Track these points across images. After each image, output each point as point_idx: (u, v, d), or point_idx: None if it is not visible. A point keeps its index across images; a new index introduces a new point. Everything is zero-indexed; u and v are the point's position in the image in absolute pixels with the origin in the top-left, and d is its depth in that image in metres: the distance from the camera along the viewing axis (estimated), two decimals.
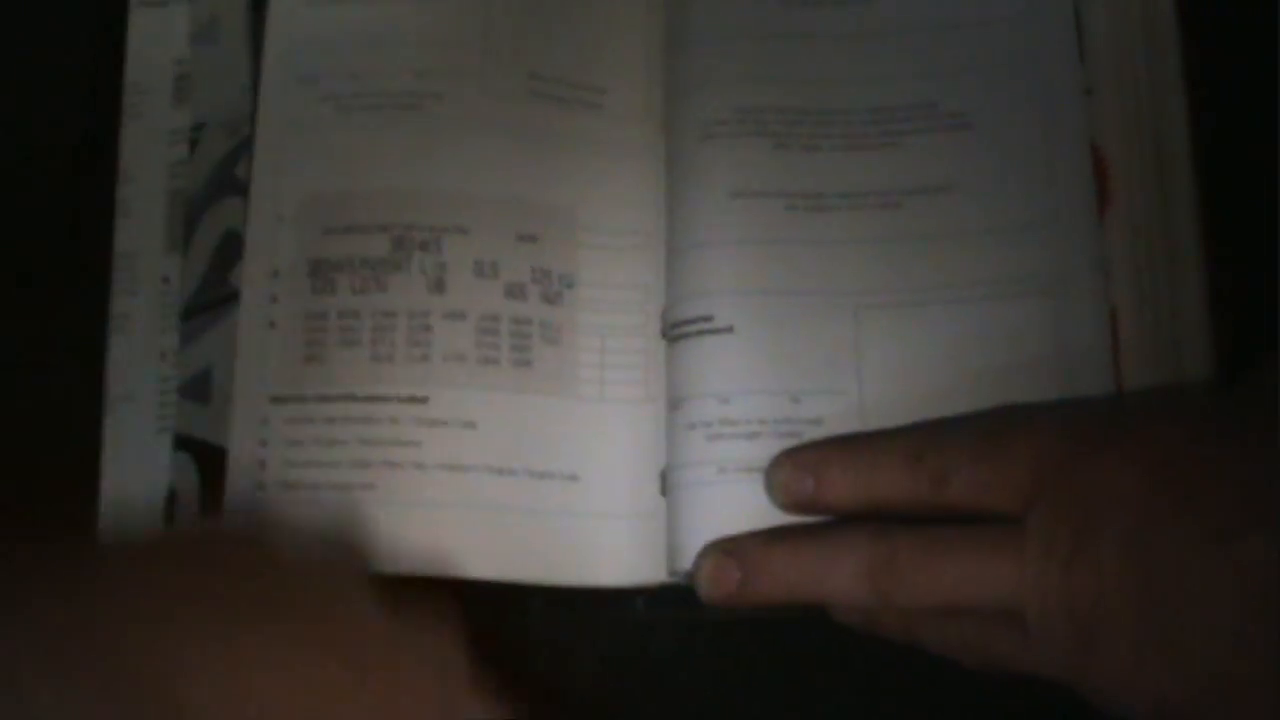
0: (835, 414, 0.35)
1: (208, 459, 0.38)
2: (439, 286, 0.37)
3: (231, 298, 0.39)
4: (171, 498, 0.38)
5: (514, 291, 0.38)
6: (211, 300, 0.39)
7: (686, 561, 0.35)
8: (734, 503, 0.35)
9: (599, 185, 0.39)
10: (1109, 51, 0.36)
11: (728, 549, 0.35)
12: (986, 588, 0.32)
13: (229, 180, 0.40)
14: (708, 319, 0.36)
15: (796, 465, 0.35)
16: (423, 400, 0.36)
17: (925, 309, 0.36)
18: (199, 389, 0.39)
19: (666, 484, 0.36)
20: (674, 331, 0.37)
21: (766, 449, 0.35)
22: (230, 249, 0.39)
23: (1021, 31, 0.36)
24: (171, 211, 0.41)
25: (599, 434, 0.38)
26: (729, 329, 0.36)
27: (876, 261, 0.36)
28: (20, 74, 0.43)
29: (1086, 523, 0.31)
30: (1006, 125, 0.36)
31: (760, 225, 0.37)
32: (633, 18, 0.41)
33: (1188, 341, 0.35)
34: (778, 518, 0.35)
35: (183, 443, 0.38)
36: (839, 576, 0.34)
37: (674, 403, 0.37)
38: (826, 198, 0.37)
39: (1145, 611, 0.30)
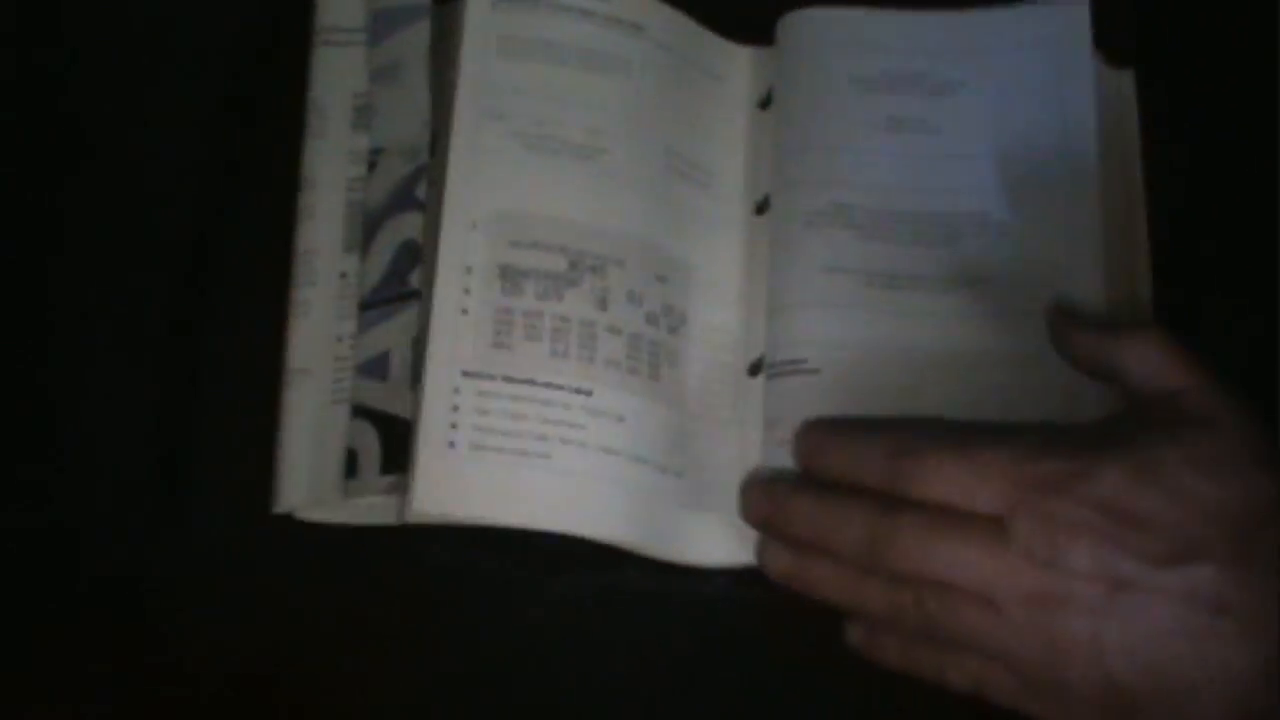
0: None
1: (386, 426, 0.46)
2: (602, 304, 0.47)
3: (409, 295, 0.47)
4: (352, 457, 0.46)
5: (651, 319, 0.48)
6: (390, 296, 0.47)
7: None
8: None
9: (707, 248, 0.50)
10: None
11: (765, 487, 0.45)
12: (972, 570, 0.40)
13: (409, 198, 0.48)
14: (802, 361, 0.47)
15: (800, 439, 0.45)
16: (588, 393, 0.46)
17: (966, 369, 0.47)
18: (377, 368, 0.47)
19: None
20: (773, 370, 0.48)
21: None
22: (408, 256, 0.47)
23: (1050, 167, 0.49)
24: (349, 219, 0.49)
25: (700, 444, 0.48)
26: (816, 371, 0.47)
27: (933, 330, 0.47)
28: (224, 92, 0.51)
29: (1061, 536, 0.39)
30: (1039, 232, 0.48)
31: (844, 295, 0.48)
32: (736, 120, 0.51)
33: None
34: None
35: (361, 412, 0.46)
36: (848, 531, 0.42)
37: (769, 424, 0.47)
38: (897, 278, 0.48)
39: (1108, 611, 0.39)
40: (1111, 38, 0.51)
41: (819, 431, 0.45)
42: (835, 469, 0.44)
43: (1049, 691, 0.40)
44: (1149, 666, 0.39)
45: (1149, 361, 0.42)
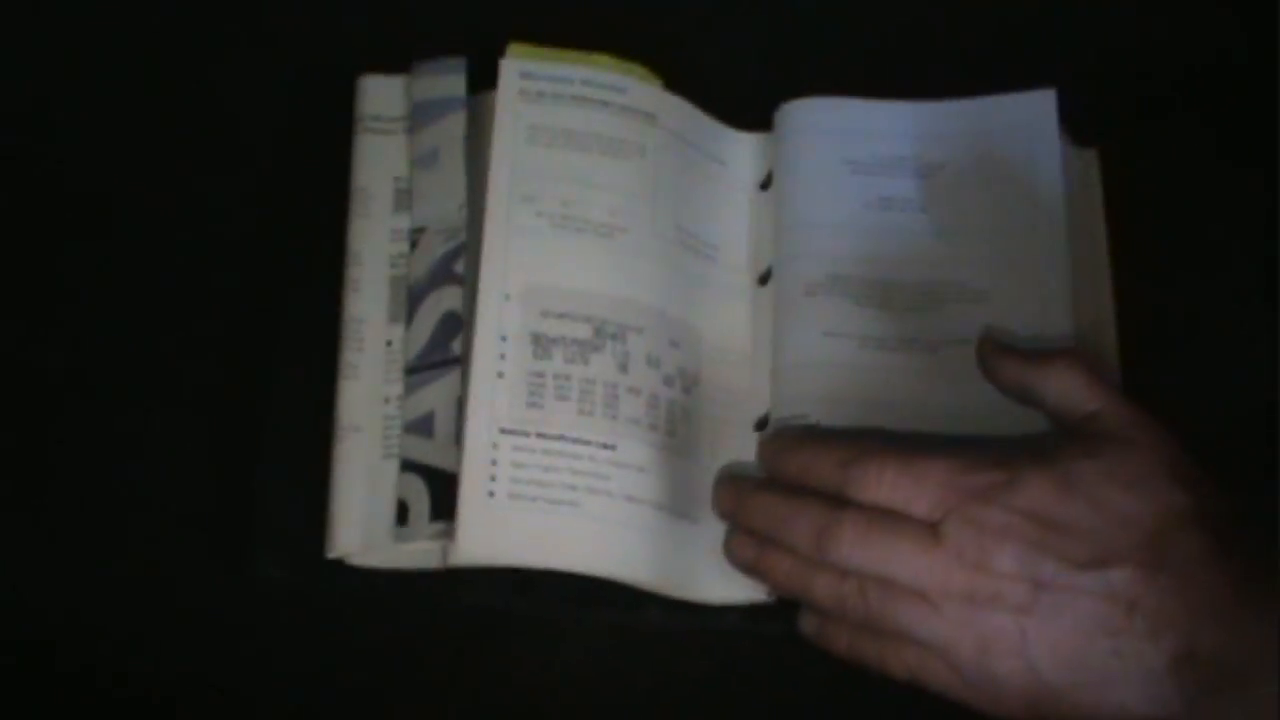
0: None
1: (433, 478, 0.51)
2: (624, 368, 0.52)
3: (451, 361, 0.52)
4: (403, 507, 0.51)
5: (668, 380, 0.53)
6: (434, 362, 0.52)
7: None
8: None
9: (715, 316, 0.55)
10: None
11: (732, 482, 0.50)
12: (907, 567, 0.45)
13: (448, 273, 0.53)
14: (804, 416, 0.53)
15: (764, 445, 0.50)
16: (613, 447, 0.51)
17: (948, 421, 0.52)
18: (423, 426, 0.52)
19: None
20: (777, 424, 0.53)
21: None
22: (449, 325, 0.53)
23: (1023, 239, 0.54)
24: (393, 292, 0.54)
25: (709, 493, 0.53)
26: (817, 424, 0.52)
27: (920, 387, 0.53)
28: (274, 174, 0.56)
29: (989, 540, 0.44)
30: (1013, 300, 0.53)
31: (842, 356, 0.53)
32: (739, 200, 0.57)
33: None
34: None
35: (410, 466, 0.51)
36: (799, 524, 0.46)
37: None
38: (888, 340, 0.54)
39: (1032, 609, 0.43)
40: (1076, 120, 0.57)
41: (781, 439, 0.50)
42: (793, 472, 0.49)
43: (981, 682, 0.45)
44: (1070, 660, 0.43)
45: (1066, 385, 0.48)
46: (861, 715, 0.52)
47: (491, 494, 0.49)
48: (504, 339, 0.51)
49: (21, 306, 0.55)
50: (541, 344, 0.52)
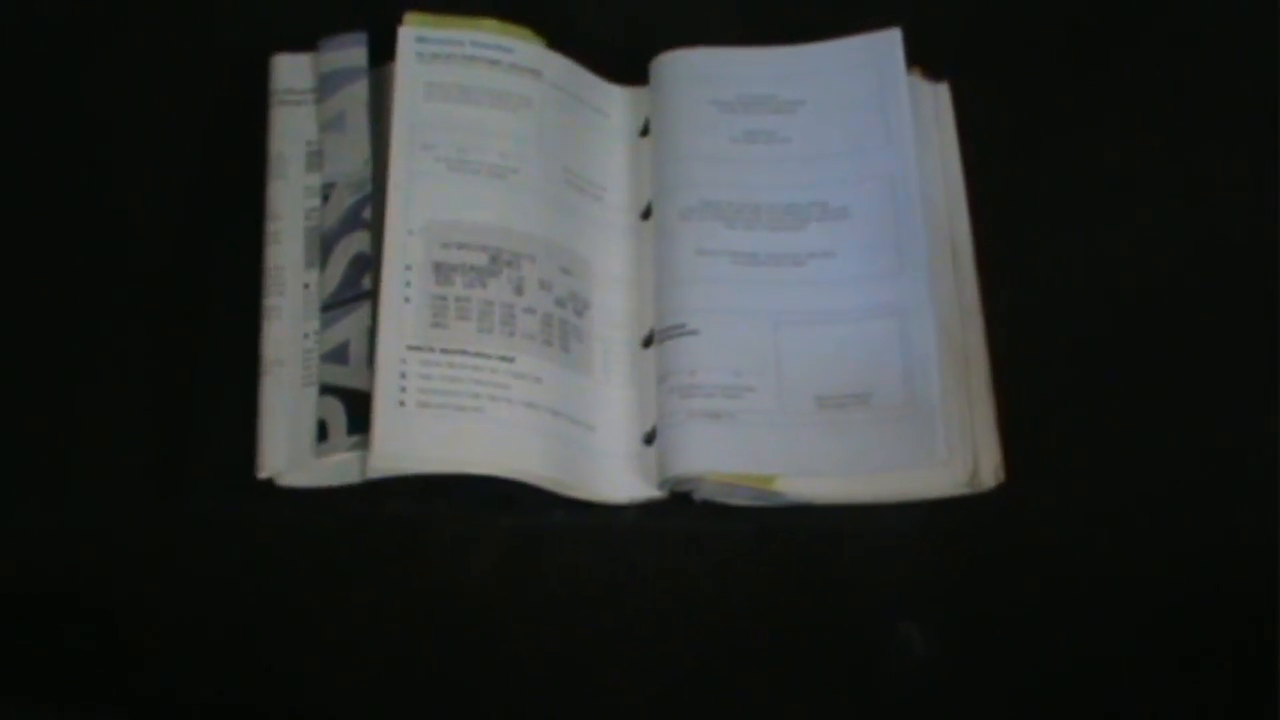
0: (761, 383, 0.57)
1: (350, 398, 0.56)
2: (519, 290, 0.57)
3: (363, 295, 0.57)
4: (323, 426, 0.56)
5: (560, 302, 0.58)
6: (346, 298, 0.58)
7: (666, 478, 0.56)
8: (696, 435, 0.56)
9: (602, 247, 0.61)
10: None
11: None
12: None
13: (357, 220, 0.59)
14: (682, 326, 0.58)
15: None
16: (510, 359, 0.56)
17: (816, 325, 0.58)
18: (339, 355, 0.57)
19: (655, 431, 0.57)
20: (662, 335, 0.58)
21: (718, 404, 0.56)
22: (359, 265, 0.58)
23: (876, 162, 0.60)
24: (309, 241, 0.60)
25: (605, 404, 0.58)
26: (695, 332, 0.58)
27: (788, 296, 0.58)
28: (201, 144, 0.62)
29: None
30: (871, 214, 0.59)
31: (715, 271, 0.59)
32: (619, 146, 0.63)
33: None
34: (721, 440, 0.56)
35: (328, 390, 0.56)
36: None
37: (661, 377, 0.58)
38: (758, 256, 0.59)
39: None
40: (929, 55, 0.63)
41: None
42: None
43: None
44: None
45: None
46: (755, 605, 0.57)
47: (402, 403, 0.55)
48: (409, 268, 0.57)
49: None
50: (443, 271, 0.57)
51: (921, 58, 0.63)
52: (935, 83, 0.63)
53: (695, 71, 0.63)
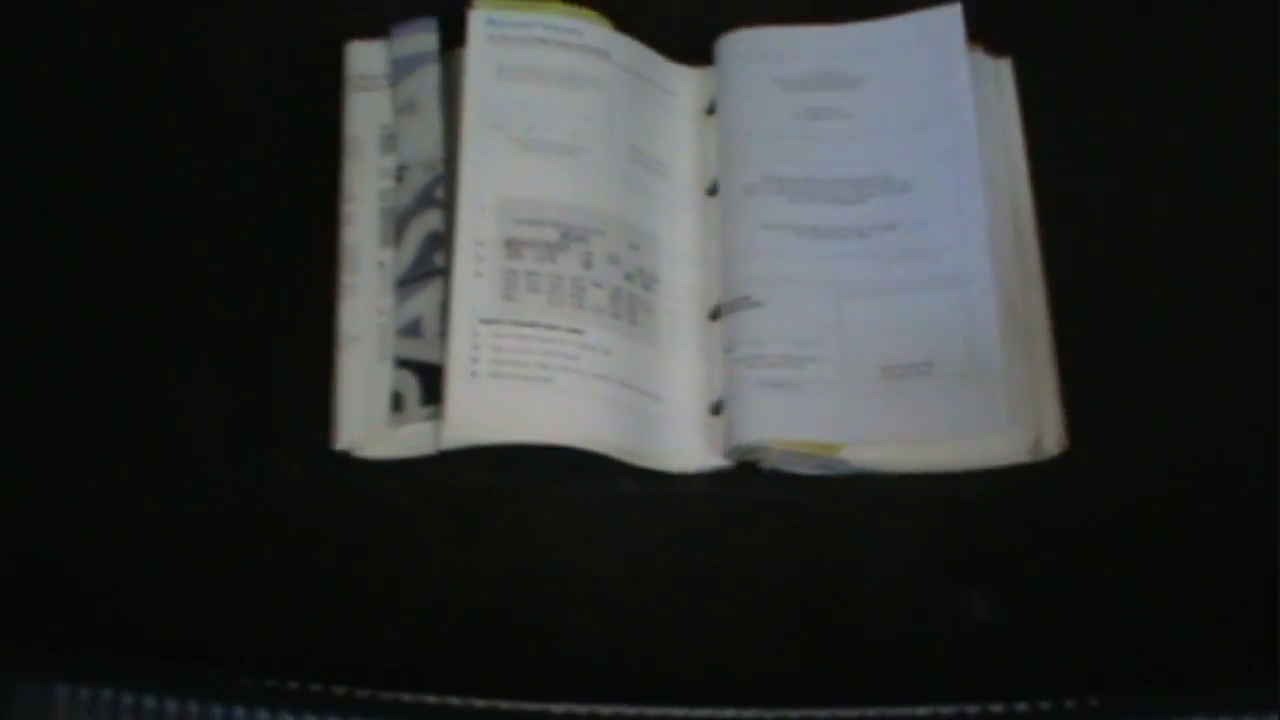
0: (825, 353, 0.58)
1: (423, 371, 0.58)
2: (588, 264, 0.59)
3: (436, 272, 0.59)
4: (398, 398, 0.58)
5: (629, 277, 0.60)
6: (420, 275, 0.60)
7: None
8: (762, 404, 0.57)
9: (669, 223, 0.62)
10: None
11: None
12: None
13: (430, 199, 0.61)
14: (748, 298, 0.59)
15: None
16: (580, 332, 0.58)
17: (879, 296, 0.59)
18: (413, 329, 0.59)
19: (722, 402, 0.58)
20: (728, 307, 0.60)
21: (784, 374, 0.57)
22: (432, 242, 0.60)
23: (938, 137, 0.61)
24: (383, 221, 0.61)
25: (673, 375, 0.59)
26: (761, 304, 0.59)
27: (850, 268, 0.59)
28: (280, 132, 0.64)
29: None
30: (932, 188, 0.60)
31: (779, 244, 0.60)
32: (686, 125, 0.64)
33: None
34: (786, 410, 0.57)
35: (402, 363, 0.58)
36: None
37: (727, 348, 0.59)
38: (821, 230, 0.60)
39: None
40: (991, 31, 0.64)
41: None
42: None
43: None
44: None
45: None
46: (819, 571, 0.58)
47: (474, 374, 0.56)
48: (481, 244, 0.59)
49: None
50: (514, 247, 0.59)
51: (983, 34, 0.64)
52: (997, 58, 0.64)
53: (758, 50, 0.64)
